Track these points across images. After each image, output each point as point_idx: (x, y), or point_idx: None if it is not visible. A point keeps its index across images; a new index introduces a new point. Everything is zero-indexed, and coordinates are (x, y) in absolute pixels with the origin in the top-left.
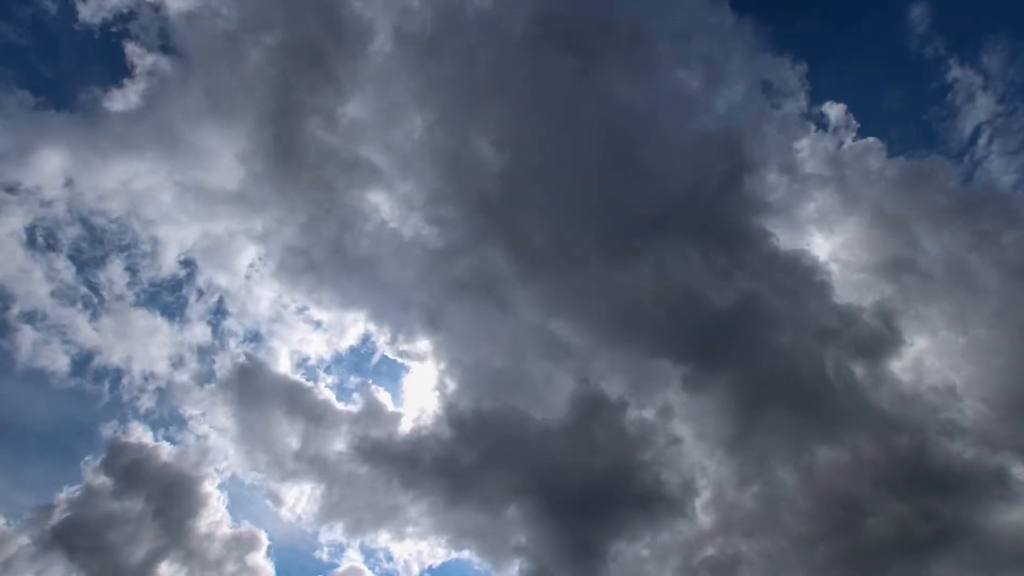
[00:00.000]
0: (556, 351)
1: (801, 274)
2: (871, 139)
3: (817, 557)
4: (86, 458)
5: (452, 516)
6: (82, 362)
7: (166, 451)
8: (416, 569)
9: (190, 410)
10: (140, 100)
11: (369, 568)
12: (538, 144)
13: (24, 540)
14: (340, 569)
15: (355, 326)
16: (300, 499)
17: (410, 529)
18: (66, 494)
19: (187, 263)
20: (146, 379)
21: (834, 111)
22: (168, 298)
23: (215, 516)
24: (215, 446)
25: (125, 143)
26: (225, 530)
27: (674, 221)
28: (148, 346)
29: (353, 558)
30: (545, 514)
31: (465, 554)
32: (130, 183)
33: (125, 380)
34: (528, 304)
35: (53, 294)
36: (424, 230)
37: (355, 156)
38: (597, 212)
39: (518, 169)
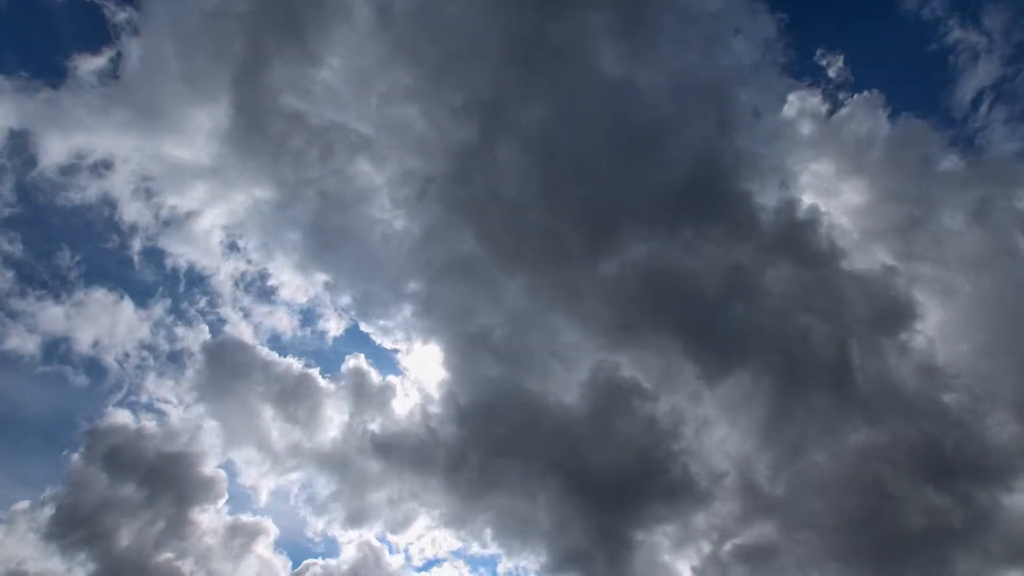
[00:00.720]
0: (556, 338)
1: (806, 246)
2: (871, 92)
3: (844, 544)
4: (68, 449)
5: (462, 504)
6: (54, 346)
7: (155, 438)
8: (419, 561)
9: (173, 395)
10: (106, 65)
11: (377, 556)
12: (522, 116)
13: (19, 535)
14: (345, 556)
15: (341, 305)
16: (300, 488)
17: (421, 517)
18: (55, 487)
19: (158, 239)
20: (122, 363)
21: (831, 68)
22: (139, 278)
23: (213, 505)
24: (206, 432)
25: (88, 111)
26: (224, 519)
27: (671, 201)
28: (124, 329)
29: (357, 547)
30: (566, 501)
31: (480, 543)
32: (92, 154)
33: (102, 364)
34: (520, 288)
35: (10, 271)
36: (409, 208)
37: (330, 127)
38: (591, 193)
39: (503, 146)
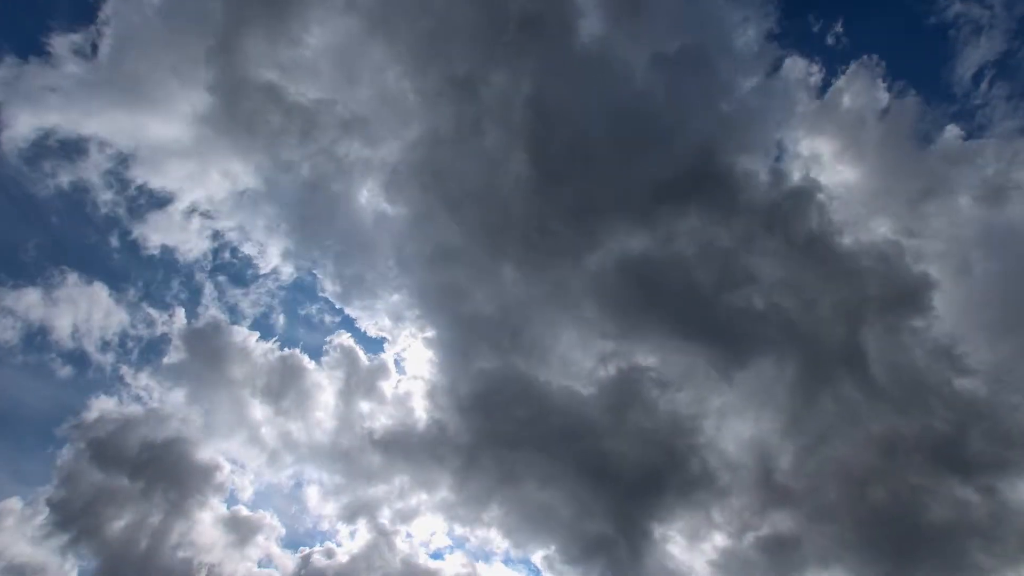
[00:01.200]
0: (556, 328)
1: (806, 226)
2: (869, 65)
3: (863, 535)
4: (59, 442)
5: (462, 494)
6: (34, 336)
7: (145, 428)
8: (421, 551)
9: (162, 383)
10: (83, 41)
11: (377, 547)
12: (506, 92)
13: (12, 531)
14: (344, 546)
15: (331, 290)
16: (296, 476)
17: (420, 506)
18: (47, 482)
19: (137, 222)
20: (105, 352)
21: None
22: (117, 262)
23: (209, 496)
24: (199, 421)
25: (64, 87)
26: (221, 510)
27: (665, 185)
28: (104, 317)
29: (355, 538)
30: (576, 493)
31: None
32: (66, 133)
33: (87, 353)
34: (518, 276)
35: None
36: (399, 190)
37: (313, 106)
38: (583, 178)
39: (490, 128)
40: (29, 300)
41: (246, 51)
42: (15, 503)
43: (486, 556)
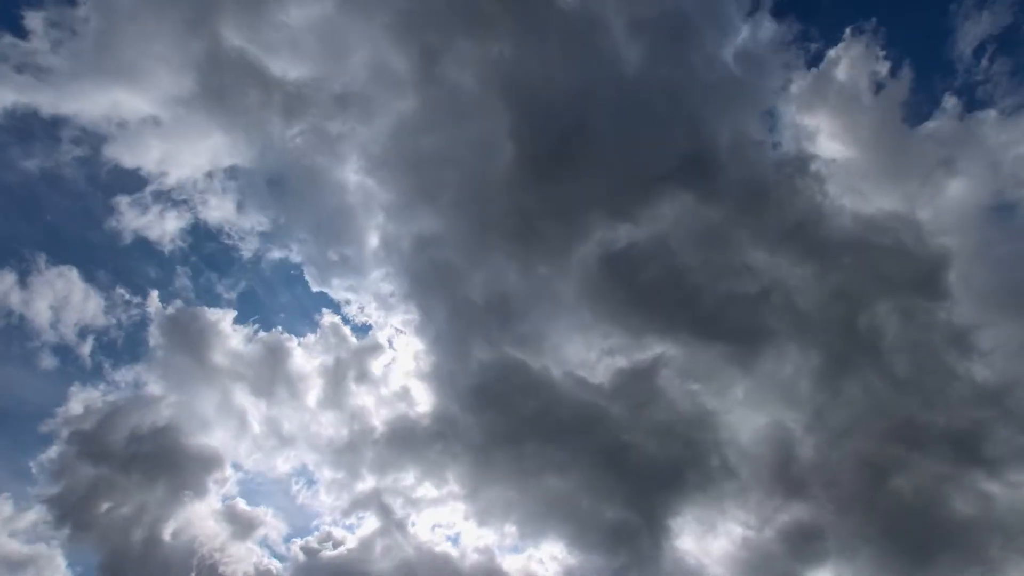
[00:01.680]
0: (556, 320)
1: (803, 201)
2: (865, 39)
3: (882, 528)
4: (48, 437)
5: (471, 486)
6: (12, 326)
7: (132, 419)
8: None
9: (149, 372)
10: (58, 17)
11: (388, 539)
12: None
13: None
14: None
15: (315, 275)
16: (291, 468)
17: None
18: (38, 477)
19: (115, 205)
20: (81, 338)
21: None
22: (96, 247)
23: (204, 485)
24: (191, 411)
25: (37, 65)
26: (214, 503)
27: (667, 170)
28: (82, 304)
29: (352, 530)
30: (585, 483)
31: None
32: (41, 111)
33: (65, 341)
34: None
35: None
36: (385, 170)
37: (296, 83)
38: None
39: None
40: (3, 286)
41: (226, 30)
42: (3, 499)
43: (496, 546)
